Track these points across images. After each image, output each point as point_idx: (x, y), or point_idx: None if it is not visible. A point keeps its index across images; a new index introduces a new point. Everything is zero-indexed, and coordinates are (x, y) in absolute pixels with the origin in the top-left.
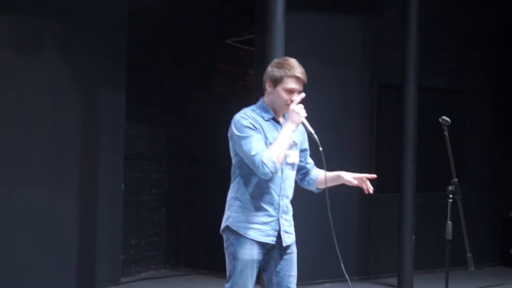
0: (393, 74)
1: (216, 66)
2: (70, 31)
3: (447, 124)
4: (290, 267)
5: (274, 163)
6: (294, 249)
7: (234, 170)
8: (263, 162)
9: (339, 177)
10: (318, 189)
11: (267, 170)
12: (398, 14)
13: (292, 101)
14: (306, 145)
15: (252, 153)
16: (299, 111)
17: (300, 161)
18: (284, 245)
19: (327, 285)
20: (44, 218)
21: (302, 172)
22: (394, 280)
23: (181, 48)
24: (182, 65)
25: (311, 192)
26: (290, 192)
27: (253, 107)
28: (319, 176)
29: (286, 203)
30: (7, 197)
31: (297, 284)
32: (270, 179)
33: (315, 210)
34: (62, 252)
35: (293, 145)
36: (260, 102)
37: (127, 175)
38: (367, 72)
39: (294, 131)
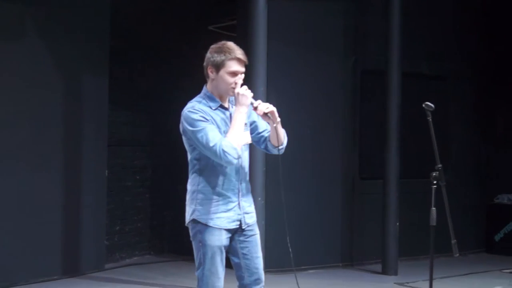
0: (376, 60)
1: (198, 52)
2: (52, 16)
3: (431, 109)
4: (256, 248)
5: (235, 149)
6: (256, 231)
7: (193, 164)
8: (224, 151)
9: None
10: (275, 147)
11: (230, 157)
12: None
13: (236, 83)
14: (253, 117)
15: (211, 144)
16: (245, 93)
17: (257, 133)
18: (244, 226)
19: (311, 271)
20: (27, 204)
21: (262, 141)
22: (378, 267)
23: (163, 33)
24: (165, 50)
25: (294, 179)
26: (247, 174)
27: (198, 98)
28: (269, 135)
29: (244, 186)
30: None
31: (282, 271)
32: (229, 167)
33: (300, 198)
34: (47, 239)
35: (244, 125)
36: (204, 91)
37: (110, 162)
38: (350, 58)
39: (246, 112)
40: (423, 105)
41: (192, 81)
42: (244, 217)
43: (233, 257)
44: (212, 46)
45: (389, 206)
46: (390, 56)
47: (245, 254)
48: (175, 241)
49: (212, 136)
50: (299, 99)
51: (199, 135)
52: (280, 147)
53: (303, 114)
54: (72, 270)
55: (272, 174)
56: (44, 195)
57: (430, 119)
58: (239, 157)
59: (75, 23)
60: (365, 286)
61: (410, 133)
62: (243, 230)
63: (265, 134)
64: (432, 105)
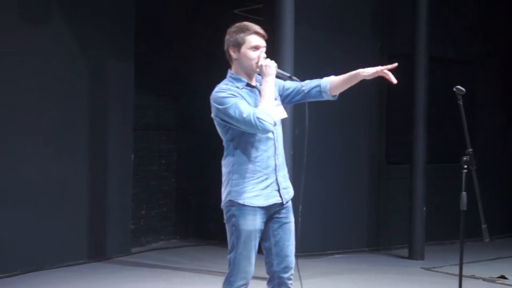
0: (403, 44)
1: (223, 36)
2: (78, 1)
3: (462, 93)
4: (289, 236)
5: (269, 114)
6: (291, 218)
7: (227, 146)
8: (259, 118)
9: (357, 75)
10: (334, 96)
11: (266, 124)
12: None
13: (259, 57)
14: (283, 84)
15: (245, 115)
16: (269, 63)
17: (292, 91)
18: (284, 202)
19: (337, 256)
20: (54, 188)
21: (302, 94)
22: (405, 252)
23: (189, 18)
24: (190, 34)
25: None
26: (282, 149)
27: (224, 81)
28: (332, 81)
29: (281, 161)
30: (18, 165)
31: (307, 256)
32: (263, 142)
33: (326, 182)
34: (73, 222)
35: (276, 102)
36: (229, 74)
37: (136, 146)
38: (377, 42)
39: (273, 82)
40: (454, 89)
41: (217, 65)
42: (283, 193)
43: (264, 243)
44: (228, 30)
45: (416, 191)
46: (417, 40)
47: (277, 241)
48: (200, 225)
49: (244, 107)
50: None
51: (231, 111)
52: (336, 98)
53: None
54: (98, 254)
55: (299, 158)
56: (70, 179)
57: (461, 103)
58: (275, 124)
59: (100, 7)
60: (392, 271)
61: (437, 117)
62: (280, 211)
63: (306, 85)
64: (463, 89)
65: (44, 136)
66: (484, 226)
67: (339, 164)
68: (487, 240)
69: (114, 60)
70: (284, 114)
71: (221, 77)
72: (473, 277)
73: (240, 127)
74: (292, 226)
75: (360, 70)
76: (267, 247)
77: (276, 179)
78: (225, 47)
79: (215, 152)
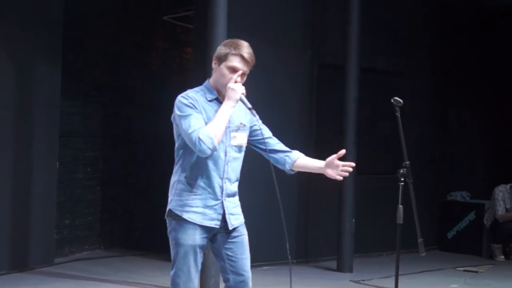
0: (333, 54)
1: (152, 42)
2: (3, 3)
3: (399, 105)
4: (242, 249)
5: (211, 138)
6: (243, 231)
7: (177, 153)
8: (199, 139)
9: (322, 170)
10: (292, 170)
11: (204, 146)
12: None
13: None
14: (259, 124)
15: (190, 131)
16: (235, 88)
17: (258, 139)
18: (230, 228)
19: (265, 267)
20: None
21: (270, 144)
22: (333, 264)
23: (118, 23)
24: (118, 41)
25: (254, 174)
26: (234, 175)
27: (197, 88)
28: (301, 160)
29: (229, 186)
30: None
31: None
32: (213, 161)
33: (252, 193)
34: None
35: (240, 126)
36: (205, 83)
37: (61, 153)
38: (308, 52)
39: (232, 107)
40: (392, 100)
41: (146, 72)
42: (229, 218)
43: (218, 259)
44: (225, 40)
45: (345, 202)
46: (348, 50)
47: (230, 256)
48: (125, 235)
49: (194, 123)
50: (256, 92)
51: (183, 121)
52: (291, 172)
53: (260, 107)
54: (20, 264)
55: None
56: None
57: (399, 115)
58: (214, 149)
59: (27, 12)
60: (321, 284)
61: (367, 128)
62: (229, 232)
63: (272, 142)
64: (401, 100)
65: None
66: (420, 240)
67: (266, 175)
68: (423, 254)
69: (40, 65)
70: (242, 141)
71: (148, 83)
72: None
73: (185, 139)
74: (245, 239)
75: (327, 171)
76: (221, 264)
77: (222, 202)
78: (214, 55)
79: (142, 161)
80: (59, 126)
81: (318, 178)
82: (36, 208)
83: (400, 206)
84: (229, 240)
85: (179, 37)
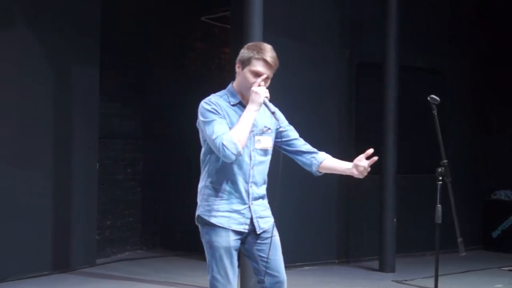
0: (372, 53)
1: (190, 44)
2: (41, 6)
3: (436, 103)
4: (274, 250)
5: (235, 144)
6: (274, 232)
7: (204, 158)
8: (223, 145)
9: (348, 171)
10: (319, 172)
11: (228, 152)
12: None
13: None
14: (285, 126)
15: (214, 137)
16: (259, 91)
17: (284, 141)
18: (258, 231)
19: (306, 268)
20: (17, 198)
21: (298, 146)
22: (375, 264)
23: (156, 25)
24: (157, 42)
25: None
26: (260, 178)
27: (220, 92)
28: (328, 161)
29: (255, 190)
30: None
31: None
32: (239, 166)
33: (295, 193)
34: (37, 234)
35: (265, 130)
36: (229, 87)
37: (101, 154)
38: (346, 51)
39: (256, 111)
40: (428, 98)
41: (185, 73)
42: (258, 221)
43: (250, 260)
44: (248, 43)
45: (386, 202)
46: (387, 49)
47: (263, 257)
48: (166, 235)
49: (218, 128)
50: (294, 92)
51: (207, 127)
52: (319, 174)
53: (299, 108)
54: (62, 265)
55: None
56: (34, 189)
57: (436, 113)
58: (239, 154)
59: (65, 14)
60: (362, 284)
61: (407, 127)
62: (259, 234)
63: (298, 143)
64: (438, 98)
65: (6, 145)
66: (460, 239)
67: (308, 175)
68: (463, 254)
69: (79, 67)
70: (267, 145)
71: (187, 83)
72: None
73: (210, 145)
74: (276, 240)
75: (354, 171)
76: (254, 266)
77: (249, 207)
78: (237, 58)
79: (182, 160)
80: (98, 128)
81: (358, 178)
82: (77, 210)
83: (439, 205)
84: (260, 242)
85: (217, 37)
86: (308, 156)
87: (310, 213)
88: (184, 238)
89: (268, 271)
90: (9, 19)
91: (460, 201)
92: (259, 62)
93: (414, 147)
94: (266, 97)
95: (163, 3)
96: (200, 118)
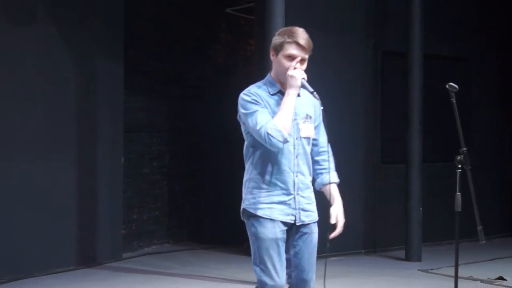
0: (396, 41)
1: (216, 35)
2: (65, 1)
3: (455, 90)
4: (309, 248)
5: (280, 131)
6: (314, 229)
7: (247, 151)
8: (268, 134)
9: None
10: (320, 188)
11: (274, 140)
12: None
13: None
14: (318, 121)
15: (258, 127)
16: (295, 74)
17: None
18: (298, 223)
19: (333, 258)
20: (43, 192)
21: (314, 149)
22: (401, 253)
23: (180, 17)
24: (181, 35)
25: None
26: (305, 169)
27: (259, 83)
28: (327, 188)
29: (302, 180)
30: (6, 171)
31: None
32: (283, 155)
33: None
34: (62, 228)
35: (307, 118)
36: (267, 77)
37: (127, 148)
38: (370, 39)
39: (295, 95)
40: (447, 86)
41: (210, 65)
42: (299, 213)
43: (285, 253)
44: (280, 30)
45: (412, 191)
46: (411, 37)
47: (296, 253)
48: (194, 229)
49: (261, 118)
50: (319, 81)
51: (249, 118)
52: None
53: (324, 96)
54: (88, 260)
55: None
56: (59, 183)
57: (454, 100)
58: (285, 141)
59: (88, 7)
60: (389, 273)
61: (432, 115)
62: (298, 227)
63: (320, 149)
64: (456, 86)
65: (30, 139)
66: (479, 227)
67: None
68: (483, 242)
69: (102, 61)
70: (310, 133)
71: (212, 76)
72: (471, 278)
73: (255, 136)
74: (314, 237)
75: (332, 210)
76: (286, 258)
77: (295, 198)
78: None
79: (208, 154)
80: (123, 121)
81: (384, 167)
82: (103, 204)
83: (458, 193)
84: (299, 237)
85: (242, 29)
86: (317, 170)
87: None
88: (211, 231)
89: (298, 267)
90: (33, 14)
91: (488, 189)
92: (292, 45)
93: (440, 136)
94: (304, 78)
95: None
96: (241, 110)
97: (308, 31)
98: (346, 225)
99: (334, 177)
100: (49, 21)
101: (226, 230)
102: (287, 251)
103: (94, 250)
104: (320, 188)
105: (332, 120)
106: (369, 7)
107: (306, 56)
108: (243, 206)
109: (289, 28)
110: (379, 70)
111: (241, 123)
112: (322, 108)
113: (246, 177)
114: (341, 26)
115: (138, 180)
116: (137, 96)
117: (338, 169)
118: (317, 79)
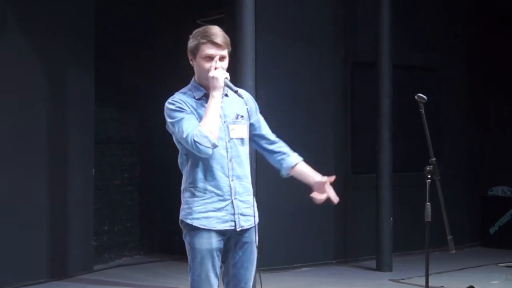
0: (366, 51)
1: (185, 47)
2: (34, 11)
3: (423, 101)
4: (249, 258)
5: (206, 137)
6: (253, 238)
7: (181, 161)
8: (195, 141)
9: (311, 181)
10: (288, 174)
11: (201, 147)
12: None
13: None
14: (253, 117)
15: (184, 135)
16: (216, 75)
17: (254, 134)
18: (238, 229)
19: (304, 269)
20: (13, 204)
21: (265, 143)
22: (372, 263)
23: (150, 29)
24: (151, 45)
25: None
26: (241, 172)
27: (184, 89)
28: (299, 167)
29: (237, 184)
30: None
31: (272, 269)
32: (215, 160)
33: (291, 193)
34: (32, 240)
35: (237, 118)
36: (191, 82)
37: (98, 160)
38: (340, 50)
39: (219, 97)
40: (416, 97)
41: (180, 77)
42: (239, 218)
43: (223, 263)
44: (192, 33)
45: (382, 201)
46: (381, 47)
47: (235, 263)
48: (165, 240)
49: (187, 126)
50: (289, 92)
51: (176, 127)
52: (286, 176)
53: (294, 107)
54: (59, 272)
55: (262, 170)
56: (29, 194)
57: (423, 111)
58: (214, 146)
59: (58, 18)
60: (360, 283)
61: (402, 125)
62: (238, 234)
63: (270, 138)
64: (425, 97)
65: (1, 150)
66: (449, 237)
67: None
68: (453, 251)
69: (73, 72)
70: (243, 134)
71: (183, 87)
72: None
73: (183, 144)
74: (253, 247)
75: (314, 189)
76: (225, 266)
77: (232, 203)
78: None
79: (178, 165)
80: (94, 133)
81: (354, 177)
82: (74, 216)
83: (428, 203)
84: (238, 246)
85: None
86: (277, 157)
87: (307, 214)
88: (182, 243)
89: (237, 277)
90: (3, 24)
91: (457, 198)
92: (207, 45)
93: (409, 146)
94: (226, 78)
95: (157, 7)
96: (168, 119)
97: (278, 42)
98: (317, 235)
99: (296, 157)
100: (19, 32)
101: None
102: (225, 260)
103: (65, 262)
104: (288, 174)
105: (303, 132)
106: (339, 17)
107: (225, 53)
108: (180, 217)
109: (201, 28)
110: (348, 80)
111: (171, 133)
112: (247, 106)
113: (182, 186)
114: (311, 36)
115: (109, 192)
116: (108, 107)
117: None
118: (287, 89)
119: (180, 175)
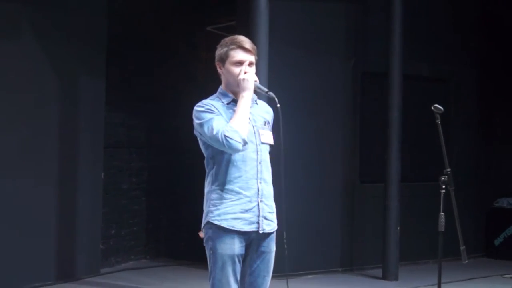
0: (376, 61)
1: (196, 53)
2: (48, 17)
3: (440, 112)
4: (266, 267)
5: (237, 132)
6: (272, 248)
7: (207, 164)
8: (226, 136)
9: None
10: None
11: (232, 142)
12: (382, 0)
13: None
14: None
15: (214, 132)
16: (247, 77)
17: None
18: (261, 231)
19: (310, 276)
20: (22, 207)
21: None
22: (378, 272)
23: (161, 34)
24: (163, 52)
25: (294, 182)
26: (268, 175)
27: (212, 96)
28: None
29: (264, 187)
30: None
31: (279, 276)
32: (245, 163)
33: (299, 201)
34: (40, 243)
35: (265, 124)
36: (218, 90)
37: (106, 164)
38: (351, 60)
39: (250, 98)
40: (432, 108)
41: (189, 83)
42: (262, 221)
43: (241, 266)
44: (220, 43)
45: (390, 210)
46: (391, 58)
47: (253, 271)
48: (171, 245)
49: (217, 124)
50: (300, 101)
51: (205, 127)
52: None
53: (304, 116)
54: (66, 275)
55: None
56: (39, 197)
57: (439, 122)
58: (244, 142)
59: (71, 25)
60: None
61: (411, 135)
62: (259, 239)
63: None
64: (441, 108)
65: (11, 154)
66: (462, 247)
67: (311, 183)
68: (466, 262)
69: (85, 78)
70: (271, 140)
71: (193, 93)
72: None
73: (212, 144)
74: (271, 256)
75: None
76: (242, 273)
77: (258, 205)
78: (215, 61)
79: (187, 170)
80: (104, 137)
81: (362, 186)
82: (81, 219)
83: (442, 213)
84: (258, 255)
85: None
86: None
87: (314, 222)
88: (188, 247)
89: (252, 285)
90: (16, 30)
91: (463, 209)
92: (236, 50)
93: (418, 156)
94: (256, 81)
95: (168, 13)
96: (196, 121)
97: (289, 51)
98: (323, 243)
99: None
100: (32, 38)
101: (203, 246)
102: (242, 267)
103: (73, 266)
104: None
105: (312, 141)
106: (350, 27)
107: (253, 59)
108: (207, 219)
109: (229, 37)
110: (358, 90)
111: (198, 138)
112: (278, 105)
113: (207, 189)
114: (322, 46)
115: (117, 196)
116: (118, 112)
117: (317, 187)
118: (298, 98)
119: (188, 180)
